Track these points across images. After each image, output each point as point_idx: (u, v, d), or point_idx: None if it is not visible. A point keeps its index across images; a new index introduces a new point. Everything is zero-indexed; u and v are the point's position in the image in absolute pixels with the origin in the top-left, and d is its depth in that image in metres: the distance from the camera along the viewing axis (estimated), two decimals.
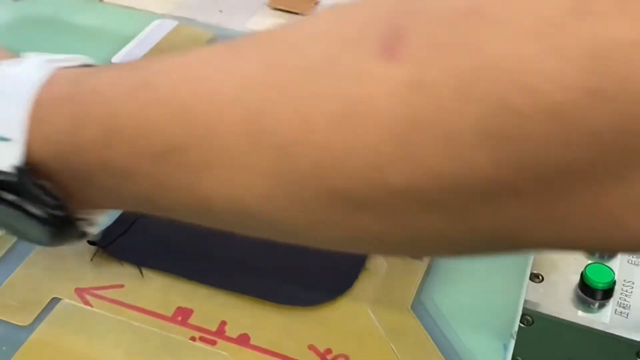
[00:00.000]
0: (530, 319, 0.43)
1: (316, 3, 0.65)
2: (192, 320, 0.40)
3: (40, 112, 0.30)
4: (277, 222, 0.27)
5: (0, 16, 0.62)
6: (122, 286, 0.41)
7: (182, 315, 0.40)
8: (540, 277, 0.45)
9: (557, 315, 0.43)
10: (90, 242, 0.43)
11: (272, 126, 0.25)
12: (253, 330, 0.40)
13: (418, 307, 0.41)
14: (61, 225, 0.32)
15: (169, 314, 0.40)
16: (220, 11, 0.64)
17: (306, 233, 0.28)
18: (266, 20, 0.63)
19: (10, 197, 0.31)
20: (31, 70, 0.31)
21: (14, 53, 0.34)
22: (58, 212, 0.31)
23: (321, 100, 0.24)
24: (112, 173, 0.30)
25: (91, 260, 0.42)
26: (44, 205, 0.31)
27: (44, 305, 0.40)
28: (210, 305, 0.41)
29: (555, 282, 0.45)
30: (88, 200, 0.32)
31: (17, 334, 0.39)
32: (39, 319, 0.39)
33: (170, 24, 0.61)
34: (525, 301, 0.43)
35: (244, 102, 0.26)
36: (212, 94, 0.27)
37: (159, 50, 0.58)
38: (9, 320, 0.39)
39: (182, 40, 0.60)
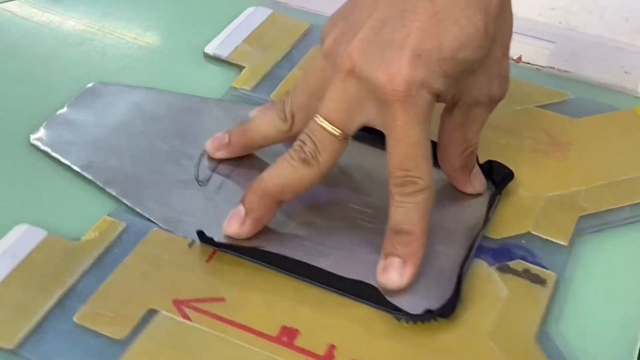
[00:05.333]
0: None
1: None
2: (299, 341, 0.37)
3: None
4: None
5: None
6: (222, 299, 0.38)
7: (287, 336, 0.37)
8: None
9: None
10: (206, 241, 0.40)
11: None
12: (365, 357, 0.36)
13: (543, 339, 0.37)
14: None
15: (274, 333, 0.37)
16: None
17: None
18: None
19: None
20: None
21: None
22: None
23: None
24: None
25: (207, 262, 0.40)
26: None
27: (139, 318, 0.37)
28: (317, 325, 0.37)
29: None
30: None
31: (111, 349, 0.36)
32: (134, 332, 0.36)
33: (264, 12, 0.58)
34: None
35: None
36: None
37: (254, 38, 0.55)
38: (103, 332, 0.36)
39: (277, 30, 0.56)
